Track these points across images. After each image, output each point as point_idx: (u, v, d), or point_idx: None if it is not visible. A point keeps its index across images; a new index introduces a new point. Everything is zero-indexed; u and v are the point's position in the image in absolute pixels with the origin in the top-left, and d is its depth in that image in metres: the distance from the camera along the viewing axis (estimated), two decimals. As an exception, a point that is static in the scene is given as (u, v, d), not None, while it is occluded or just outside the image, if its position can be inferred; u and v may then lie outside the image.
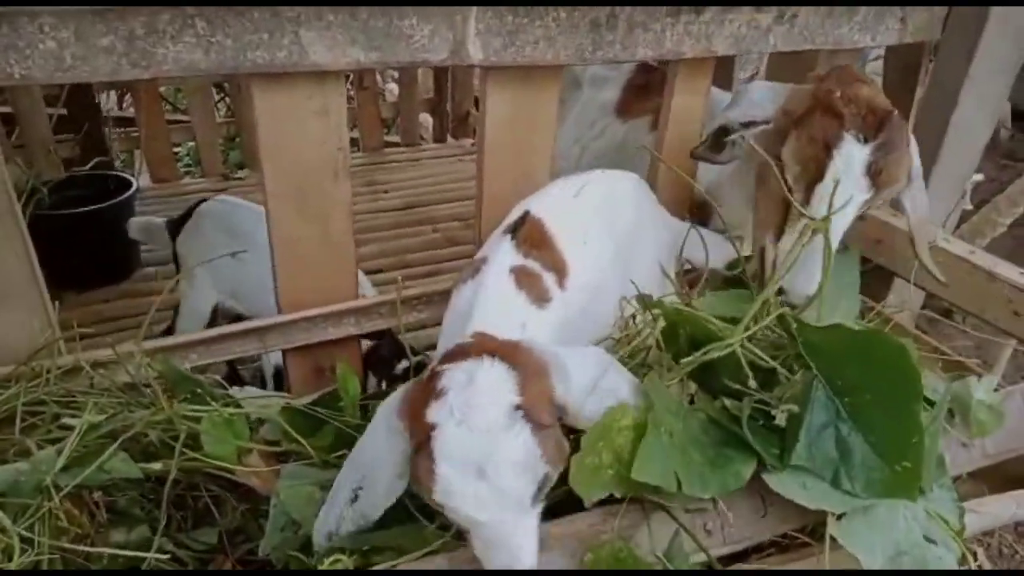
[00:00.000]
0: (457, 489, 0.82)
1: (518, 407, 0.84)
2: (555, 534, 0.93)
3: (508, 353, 0.90)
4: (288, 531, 1.04)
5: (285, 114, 1.28)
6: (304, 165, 1.34)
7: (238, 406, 1.17)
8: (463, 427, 0.83)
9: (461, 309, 1.12)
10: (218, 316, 2.10)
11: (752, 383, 1.02)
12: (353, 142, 4.79)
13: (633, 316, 1.28)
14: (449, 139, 4.58)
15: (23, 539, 1.00)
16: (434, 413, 0.85)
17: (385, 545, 0.93)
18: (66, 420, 1.14)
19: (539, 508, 0.89)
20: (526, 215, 1.22)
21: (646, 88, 1.91)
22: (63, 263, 2.90)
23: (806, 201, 1.29)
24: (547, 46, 1.33)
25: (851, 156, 1.24)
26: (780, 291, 1.26)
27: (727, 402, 1.03)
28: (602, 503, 0.97)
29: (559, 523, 0.94)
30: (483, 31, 1.28)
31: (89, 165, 2.86)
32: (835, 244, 1.24)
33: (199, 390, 1.17)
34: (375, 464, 0.93)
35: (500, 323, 1.05)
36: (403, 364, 1.74)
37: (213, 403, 1.14)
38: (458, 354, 0.91)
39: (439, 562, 0.93)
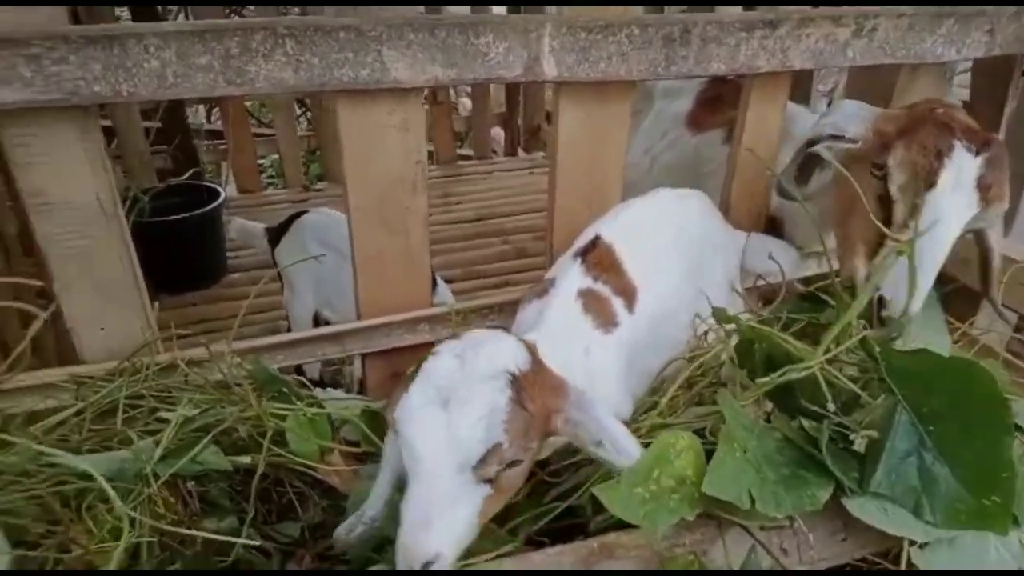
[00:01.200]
0: (416, 407, 0.86)
1: (512, 374, 0.88)
2: (626, 543, 0.94)
3: (535, 354, 0.95)
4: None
5: (368, 129, 1.34)
6: (384, 178, 1.40)
7: (321, 407, 1.23)
8: (456, 359, 0.88)
9: (526, 327, 1.14)
10: (319, 323, 2.20)
11: (831, 406, 1.00)
12: (428, 155, 4.90)
13: (706, 333, 1.28)
14: (520, 152, 4.64)
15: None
16: (441, 346, 0.92)
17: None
18: (162, 414, 1.22)
19: (481, 489, 0.86)
20: (597, 239, 1.24)
21: (718, 100, 1.91)
22: (157, 267, 3.08)
23: (910, 213, 1.26)
24: (620, 61, 1.35)
25: (963, 166, 1.22)
26: (880, 302, 1.23)
27: (804, 423, 1.02)
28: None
29: (633, 533, 0.95)
30: (557, 48, 1.31)
31: (185, 176, 3.03)
32: (942, 258, 1.21)
33: (285, 390, 1.24)
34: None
35: (563, 345, 1.07)
36: None
37: (298, 403, 1.20)
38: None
39: (507, 564, 0.95)
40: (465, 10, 4.28)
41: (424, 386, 0.88)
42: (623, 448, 0.94)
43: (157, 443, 1.14)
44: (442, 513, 0.84)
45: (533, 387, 0.90)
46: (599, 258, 1.21)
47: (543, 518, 1.03)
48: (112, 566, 1.08)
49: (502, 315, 1.62)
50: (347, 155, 1.36)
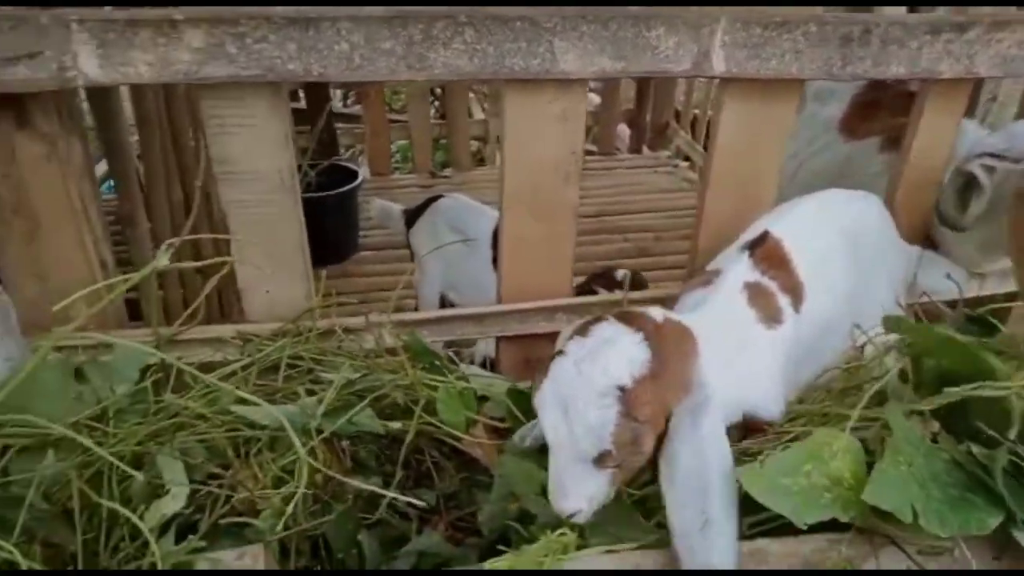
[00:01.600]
0: (544, 404, 0.96)
1: (623, 389, 0.92)
2: (777, 552, 0.93)
3: (660, 340, 0.97)
4: (506, 503, 1.11)
5: (530, 118, 1.37)
6: (540, 166, 1.42)
7: (467, 381, 1.28)
8: (575, 368, 0.95)
9: (684, 312, 1.14)
10: (444, 305, 2.28)
11: (1012, 434, 0.95)
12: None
13: (864, 345, 1.24)
14: (645, 150, 4.59)
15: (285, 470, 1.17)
16: (568, 343, 0.98)
17: (603, 531, 0.97)
18: (322, 374, 1.30)
19: (605, 472, 0.95)
20: (766, 234, 1.22)
21: (875, 106, 1.82)
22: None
23: None
24: (793, 59, 1.31)
25: None
26: None
27: (974, 448, 0.96)
28: (824, 529, 0.95)
29: (784, 542, 0.94)
30: (728, 43, 1.29)
31: (346, 155, 3.23)
32: None
33: (437, 362, 1.29)
34: None
35: (718, 335, 1.07)
36: None
37: (449, 376, 1.25)
38: (633, 316, 1.00)
39: (653, 556, 0.96)
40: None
41: (551, 385, 0.97)
42: (695, 481, 0.92)
43: (319, 401, 1.22)
44: (575, 483, 0.96)
45: (648, 392, 0.94)
46: (768, 253, 1.19)
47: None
48: (270, 512, 1.17)
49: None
50: (508, 143, 1.40)
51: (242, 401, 1.10)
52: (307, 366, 1.40)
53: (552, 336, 1.64)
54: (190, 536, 1.07)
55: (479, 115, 4.85)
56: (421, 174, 4.32)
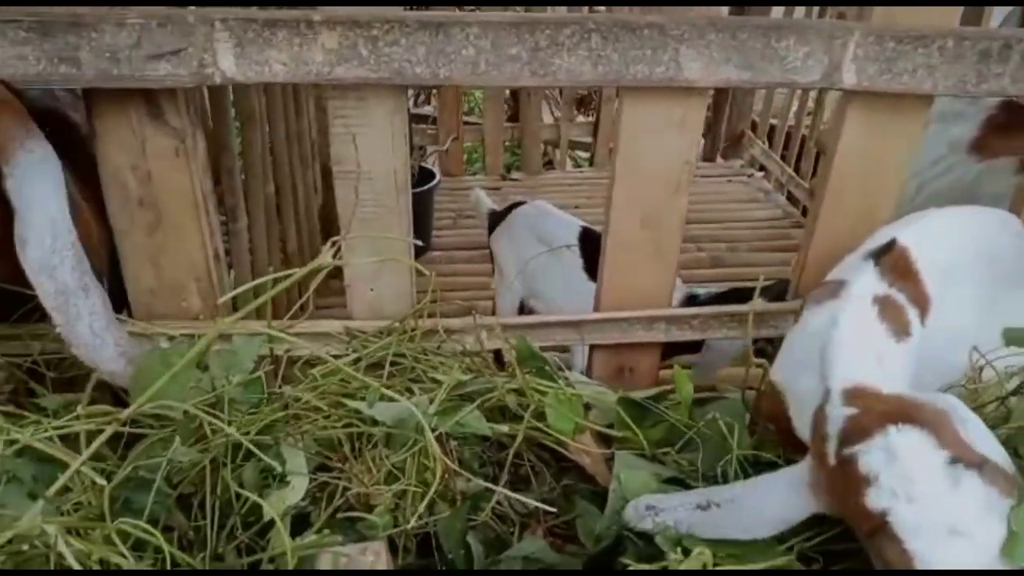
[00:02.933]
0: (939, 559, 0.81)
1: (952, 460, 0.83)
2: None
3: (905, 414, 0.89)
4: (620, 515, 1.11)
5: (647, 125, 1.36)
6: (652, 175, 1.41)
7: (572, 388, 1.27)
8: (914, 504, 0.83)
9: (814, 330, 1.11)
10: (523, 311, 2.28)
11: None
12: (620, 154, 4.91)
13: (981, 369, 1.19)
14: (719, 159, 4.53)
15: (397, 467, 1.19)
16: (876, 500, 0.85)
17: (732, 551, 0.96)
18: (425, 374, 1.31)
19: None
20: (893, 242, 1.18)
21: (1010, 127, 1.75)
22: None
23: None
24: (926, 75, 1.27)
25: None
26: None
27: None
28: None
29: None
30: (860, 56, 1.26)
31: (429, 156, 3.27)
32: None
33: (546, 367, 1.29)
34: (754, 508, 0.97)
35: (857, 352, 1.04)
36: None
37: (560, 381, 1.24)
38: (857, 431, 0.90)
39: (782, 578, 0.94)
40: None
41: (919, 538, 0.83)
42: None
43: (431, 400, 1.23)
44: None
45: (957, 442, 0.86)
46: (894, 263, 1.15)
47: (819, 535, 1.01)
48: (383, 508, 1.19)
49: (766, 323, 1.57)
50: (622, 150, 1.39)
51: (382, 397, 1.11)
52: (409, 364, 1.42)
53: (649, 347, 1.63)
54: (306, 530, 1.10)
55: (547, 119, 4.86)
56: (491, 177, 4.35)
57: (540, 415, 1.25)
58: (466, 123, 4.64)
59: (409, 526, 1.13)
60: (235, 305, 1.75)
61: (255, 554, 1.12)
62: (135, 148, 1.33)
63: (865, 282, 1.12)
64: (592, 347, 1.63)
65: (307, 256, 2.97)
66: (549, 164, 4.93)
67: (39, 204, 1.16)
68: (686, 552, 0.94)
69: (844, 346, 1.04)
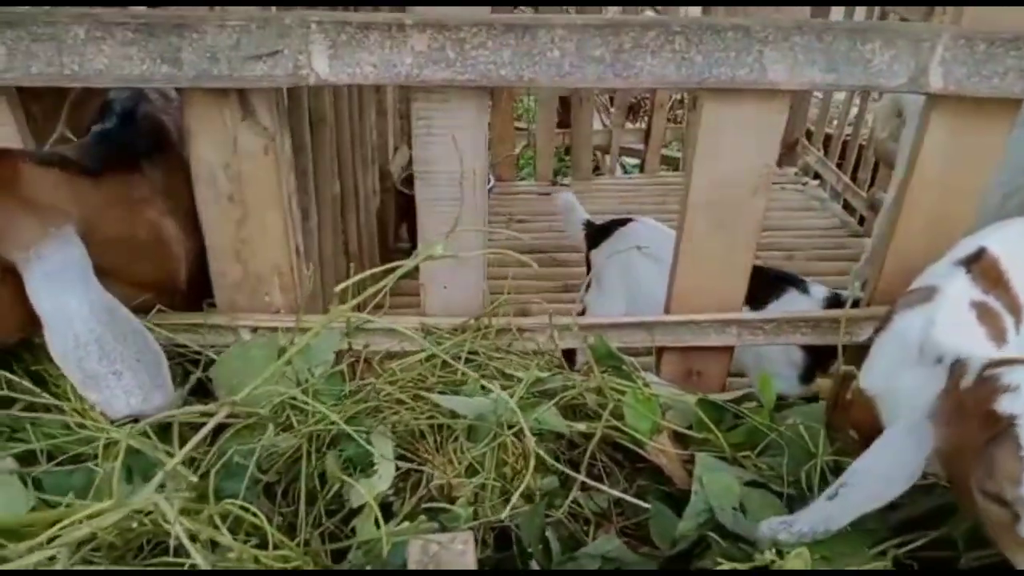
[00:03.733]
0: None
1: None
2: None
3: None
4: (703, 517, 1.11)
5: (727, 128, 1.36)
6: (730, 177, 1.41)
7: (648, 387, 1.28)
8: None
9: (908, 333, 1.10)
10: None
11: None
12: (672, 160, 4.89)
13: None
14: (771, 167, 4.47)
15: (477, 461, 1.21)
16: (1009, 405, 0.84)
17: (823, 552, 0.95)
18: (510, 372, 1.33)
19: None
20: (983, 250, 1.17)
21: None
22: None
23: None
24: (1017, 78, 1.25)
25: None
26: None
27: None
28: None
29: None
30: (948, 59, 1.25)
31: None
32: None
33: (623, 367, 1.30)
34: (880, 469, 0.96)
35: (966, 338, 1.03)
36: None
37: (638, 381, 1.25)
38: (1003, 363, 0.91)
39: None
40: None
41: None
42: None
43: (511, 395, 1.25)
44: None
45: None
46: (986, 270, 1.14)
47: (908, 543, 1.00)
48: (463, 499, 1.21)
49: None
50: (699, 153, 1.39)
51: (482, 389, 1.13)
52: (482, 361, 1.44)
53: (719, 351, 1.63)
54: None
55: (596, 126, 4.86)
56: (542, 182, 4.37)
57: (616, 415, 1.25)
58: (517, 129, 4.69)
59: (495, 518, 1.15)
60: (325, 300, 1.79)
61: (338, 541, 1.15)
62: (227, 146, 1.38)
63: (959, 287, 1.11)
64: (660, 349, 1.64)
65: (367, 256, 3.03)
66: (595, 170, 4.94)
67: (59, 313, 1.10)
68: (779, 553, 0.93)
69: (952, 331, 1.03)
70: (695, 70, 1.27)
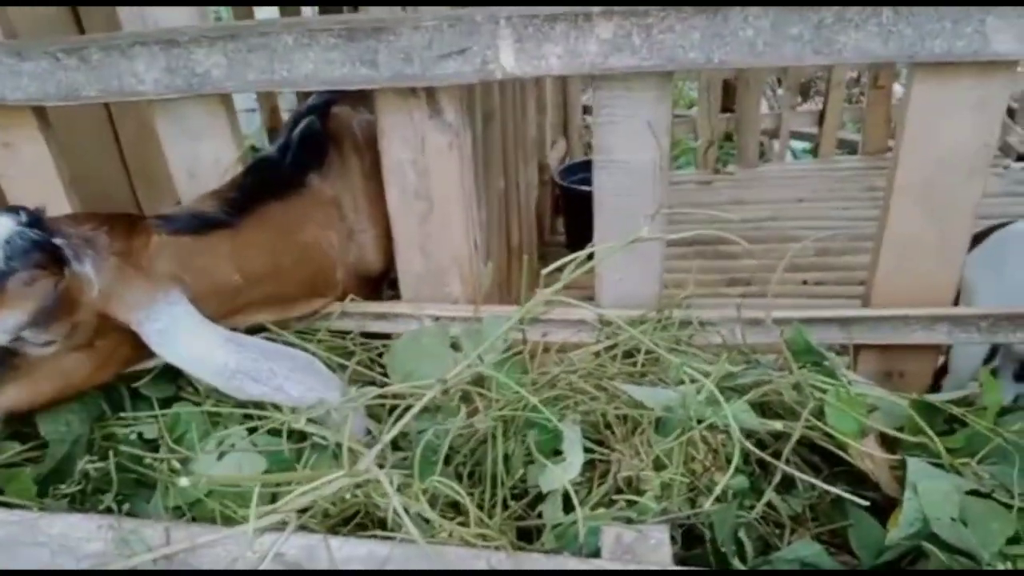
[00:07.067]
0: None
1: None
2: None
3: None
4: (915, 527, 1.02)
5: (941, 105, 1.24)
6: (943, 159, 1.29)
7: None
8: None
9: None
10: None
11: None
12: (849, 143, 4.56)
13: None
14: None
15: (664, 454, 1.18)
16: None
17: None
18: (702, 367, 1.29)
19: None
20: None
21: None
22: (585, 233, 3.38)
23: None
24: None
25: None
26: None
27: None
28: None
29: None
30: None
31: None
32: None
33: (825, 363, 1.22)
34: None
35: None
36: None
37: (842, 378, 1.17)
38: None
39: None
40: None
41: None
42: None
43: (698, 391, 1.21)
44: None
45: None
46: None
47: None
48: (650, 493, 1.19)
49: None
50: (908, 134, 1.28)
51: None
52: (659, 355, 1.41)
53: (925, 349, 1.49)
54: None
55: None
56: (703, 171, 4.23)
57: (815, 414, 1.18)
58: (675, 115, 4.57)
59: (687, 513, 1.12)
60: (500, 290, 1.82)
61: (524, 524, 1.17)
62: (415, 144, 1.45)
63: None
64: (857, 347, 1.52)
65: (526, 249, 3.07)
66: (761, 156, 4.70)
67: (189, 360, 1.17)
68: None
69: None
70: (905, 44, 1.17)
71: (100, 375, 1.19)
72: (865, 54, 1.19)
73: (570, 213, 3.46)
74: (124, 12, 1.41)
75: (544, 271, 1.12)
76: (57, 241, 1.09)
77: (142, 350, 1.18)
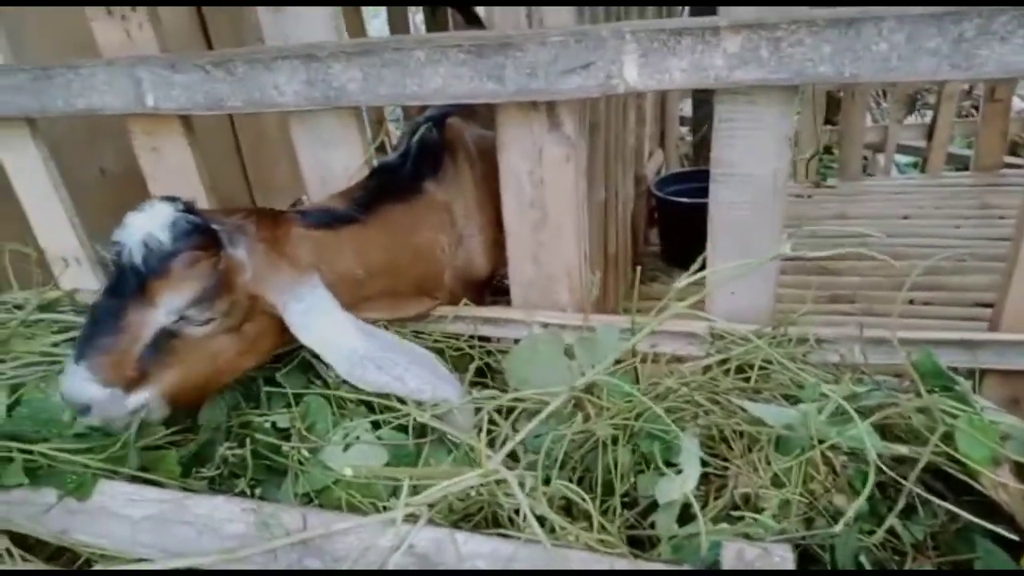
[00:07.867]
0: None
1: None
2: None
3: None
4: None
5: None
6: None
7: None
8: None
9: None
10: None
11: None
12: (957, 158, 4.35)
13: None
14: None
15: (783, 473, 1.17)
16: None
17: None
18: (825, 388, 1.27)
19: None
20: None
21: None
22: (680, 244, 3.36)
23: None
24: None
25: None
26: None
27: None
28: None
29: None
30: None
31: None
32: None
33: (956, 388, 1.18)
34: None
35: None
36: None
37: (971, 405, 1.13)
38: None
39: None
40: None
41: None
42: None
43: (819, 410, 1.19)
44: None
45: None
46: None
47: None
48: (768, 511, 1.18)
49: None
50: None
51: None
52: (772, 371, 1.39)
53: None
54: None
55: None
56: (803, 184, 4.11)
57: (944, 440, 1.14)
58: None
59: (808, 533, 1.11)
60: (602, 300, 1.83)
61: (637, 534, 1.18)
62: (533, 156, 1.48)
63: None
64: (981, 372, 1.46)
65: (622, 259, 3.07)
66: (864, 170, 4.54)
67: (324, 341, 1.25)
68: None
69: None
70: (1059, 54, 1.12)
71: (243, 360, 1.28)
72: (1009, 68, 1.15)
73: (666, 224, 3.45)
74: (266, 27, 1.51)
75: (677, 284, 1.13)
76: (214, 226, 1.19)
77: (279, 338, 1.27)
